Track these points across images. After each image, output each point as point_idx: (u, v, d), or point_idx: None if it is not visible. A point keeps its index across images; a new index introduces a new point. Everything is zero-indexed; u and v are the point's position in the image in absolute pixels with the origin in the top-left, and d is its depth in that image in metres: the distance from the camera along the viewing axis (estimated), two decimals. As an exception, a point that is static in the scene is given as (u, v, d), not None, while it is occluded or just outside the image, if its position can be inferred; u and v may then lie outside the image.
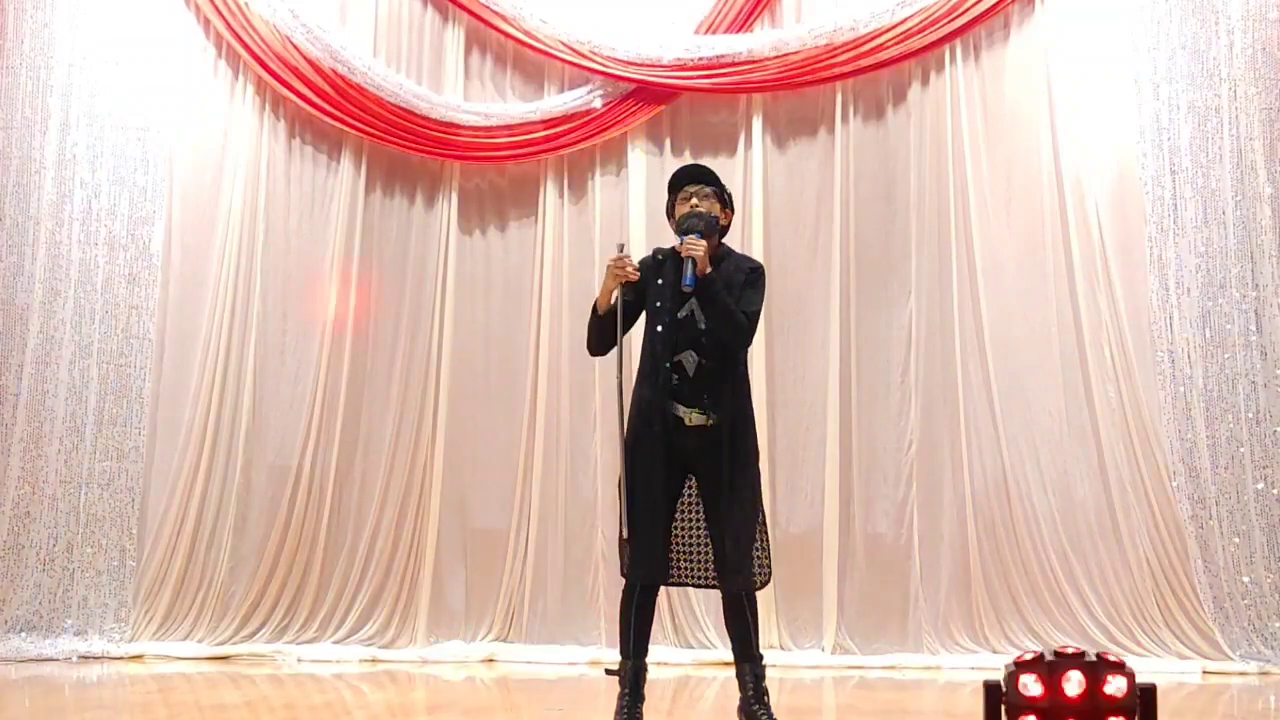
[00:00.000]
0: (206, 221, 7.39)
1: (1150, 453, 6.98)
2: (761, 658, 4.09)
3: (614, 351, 4.19)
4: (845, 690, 6.06)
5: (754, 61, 7.29)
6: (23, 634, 6.79)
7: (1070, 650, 2.92)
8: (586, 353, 7.25)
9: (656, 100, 7.41)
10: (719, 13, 7.40)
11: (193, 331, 7.29)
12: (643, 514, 4.00)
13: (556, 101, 7.42)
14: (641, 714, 4.05)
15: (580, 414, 7.28)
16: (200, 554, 7.07)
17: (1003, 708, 2.88)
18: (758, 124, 7.43)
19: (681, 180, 4.28)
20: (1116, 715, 2.83)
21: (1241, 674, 6.52)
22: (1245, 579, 6.76)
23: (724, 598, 4.09)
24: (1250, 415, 6.91)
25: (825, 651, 6.90)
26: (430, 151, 7.42)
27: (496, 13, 7.41)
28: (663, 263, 4.20)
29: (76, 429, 7.07)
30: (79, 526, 6.98)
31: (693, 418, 4.04)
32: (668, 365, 4.05)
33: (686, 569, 4.13)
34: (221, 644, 6.91)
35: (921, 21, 7.28)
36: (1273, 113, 7.10)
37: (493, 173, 7.58)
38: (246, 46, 7.34)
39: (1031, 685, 2.86)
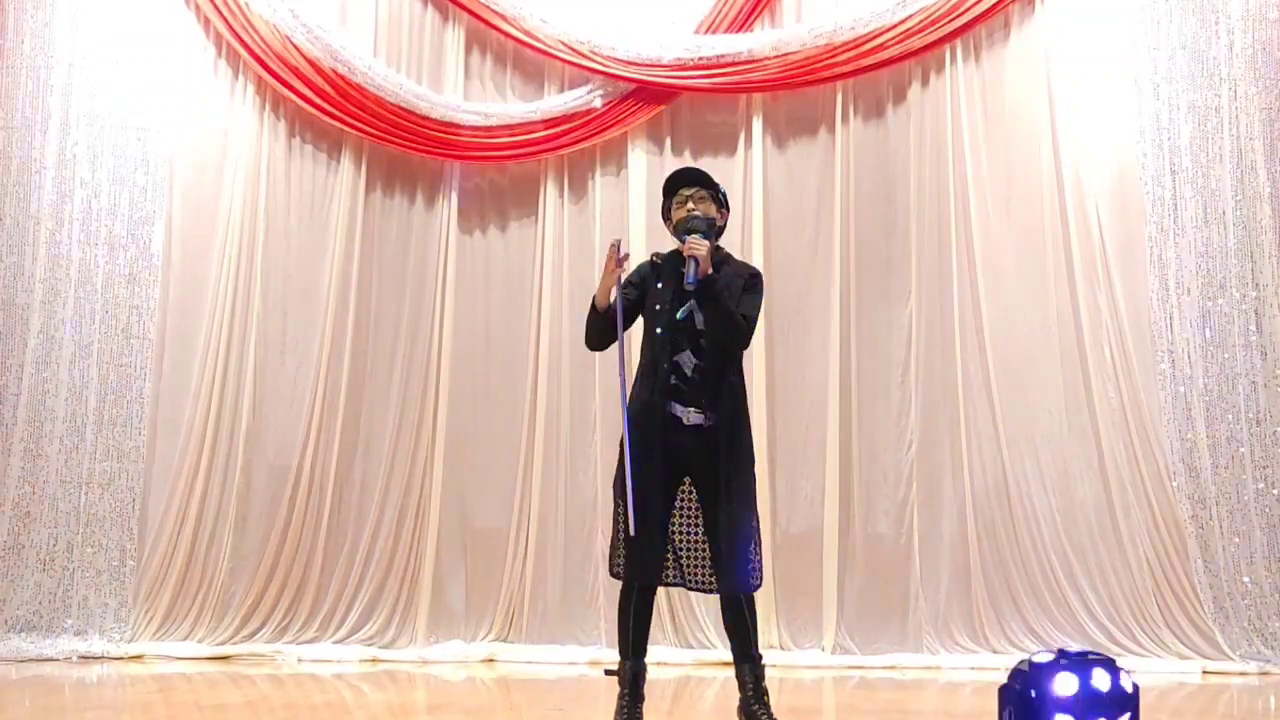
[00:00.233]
0: (206, 221, 7.39)
1: (1150, 453, 6.98)
2: (761, 658, 4.09)
3: (615, 350, 4.18)
4: (845, 690, 6.06)
5: (754, 61, 7.29)
6: (23, 634, 6.79)
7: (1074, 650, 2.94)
8: (587, 352, 7.32)
9: (657, 100, 7.41)
10: (719, 12, 7.40)
11: (193, 331, 7.29)
12: (639, 515, 3.99)
13: (557, 101, 7.42)
14: (641, 714, 4.05)
15: (580, 414, 7.28)
16: (200, 554, 7.07)
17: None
18: (758, 124, 7.43)
19: (676, 183, 4.30)
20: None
21: (1241, 674, 6.52)
22: (1245, 579, 6.76)
23: (722, 599, 4.09)
24: (1250, 415, 6.92)
25: (825, 651, 6.90)
26: (430, 151, 7.42)
27: (497, 12, 7.41)
28: (661, 266, 4.22)
29: (77, 429, 7.07)
30: (79, 526, 6.98)
31: (690, 417, 4.05)
32: (666, 366, 4.06)
33: (683, 571, 4.13)
34: (222, 644, 6.91)
35: (922, 21, 7.28)
36: (1273, 113, 7.11)
37: (493, 172, 7.58)
38: (247, 46, 7.34)
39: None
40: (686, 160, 7.36)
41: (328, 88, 7.31)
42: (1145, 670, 6.38)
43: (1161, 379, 7.01)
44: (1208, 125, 7.13)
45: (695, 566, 4.12)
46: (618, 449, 4.14)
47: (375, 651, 6.96)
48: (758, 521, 4.15)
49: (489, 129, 7.37)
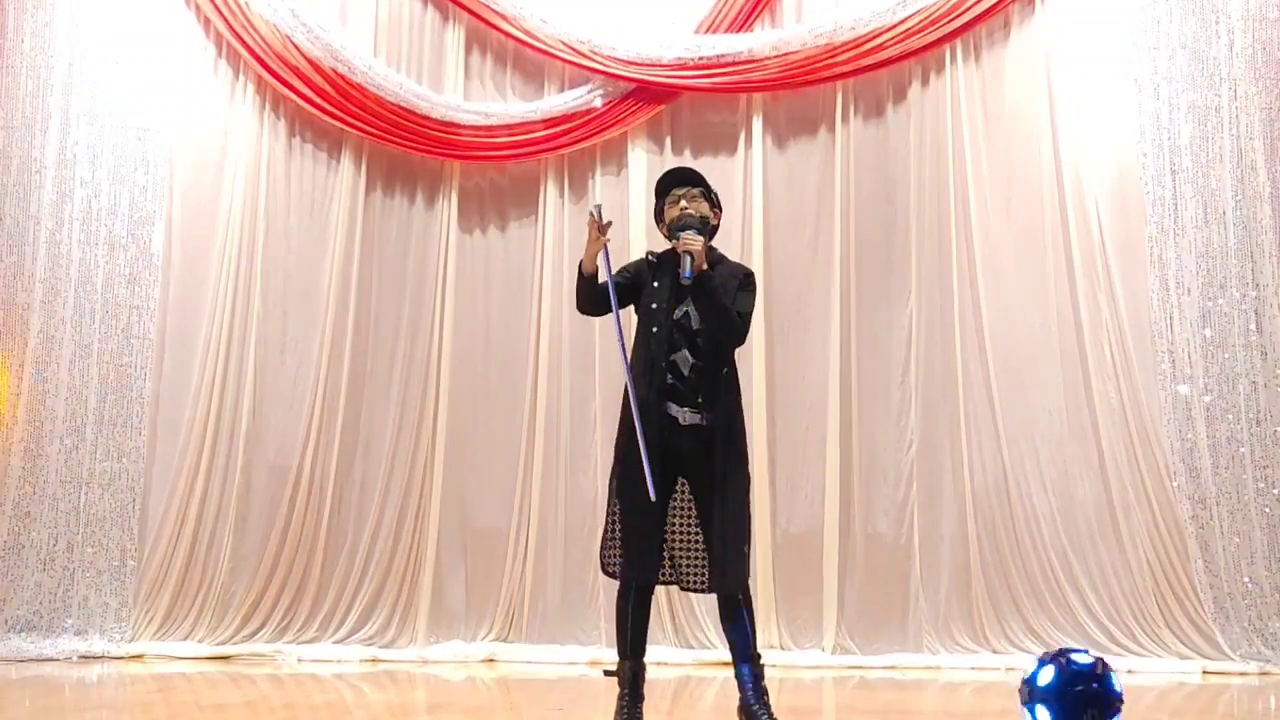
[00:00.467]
0: (206, 221, 7.39)
1: (1150, 453, 6.98)
2: (760, 657, 4.07)
3: (615, 345, 4.17)
4: (845, 690, 6.05)
5: (754, 61, 7.29)
6: (23, 634, 6.79)
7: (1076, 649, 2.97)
8: (587, 352, 7.33)
9: (657, 100, 7.41)
10: (719, 12, 7.40)
11: (193, 331, 7.29)
12: (635, 513, 4.00)
13: (557, 101, 7.42)
14: (641, 714, 4.05)
15: (580, 414, 7.28)
16: (200, 554, 7.07)
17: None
18: (758, 124, 7.43)
19: (669, 184, 4.31)
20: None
21: (1242, 674, 6.52)
22: (1245, 579, 6.76)
23: (719, 599, 4.08)
24: (1250, 415, 6.91)
25: (825, 651, 6.90)
26: (431, 151, 7.42)
27: (497, 12, 7.41)
28: (656, 265, 4.22)
29: (77, 429, 7.07)
30: (79, 526, 6.98)
31: (687, 417, 4.05)
32: (663, 365, 4.06)
33: (679, 571, 4.13)
34: (222, 644, 6.91)
35: (922, 21, 7.28)
36: (1273, 112, 7.11)
37: (493, 172, 7.58)
38: (247, 46, 7.34)
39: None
40: (687, 160, 7.37)
41: (328, 87, 7.31)
42: (1145, 670, 6.39)
43: (1161, 379, 7.01)
44: (1208, 125, 7.13)
45: (689, 566, 4.11)
46: (613, 449, 4.15)
47: (375, 651, 6.96)
48: (751, 521, 4.13)
49: (489, 129, 7.37)
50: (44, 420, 7.07)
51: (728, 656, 4.15)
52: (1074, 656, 2.97)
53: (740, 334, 4.13)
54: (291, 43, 7.31)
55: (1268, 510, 6.84)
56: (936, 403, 7.19)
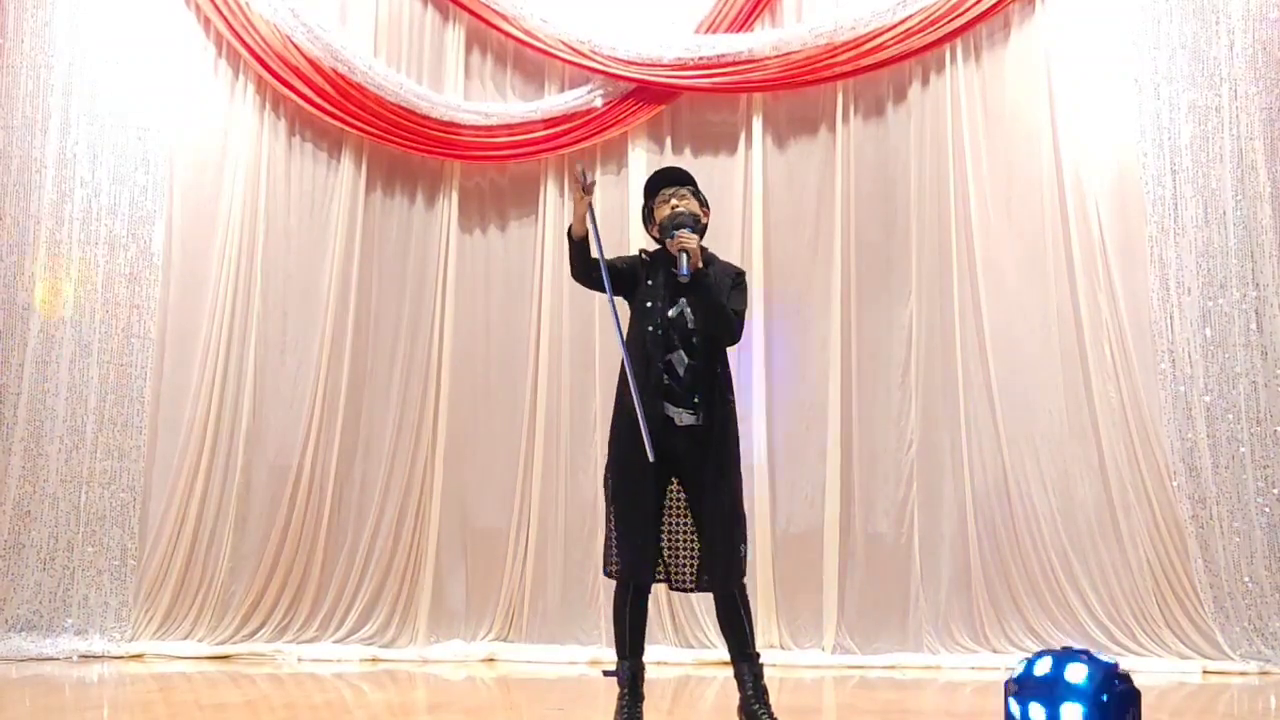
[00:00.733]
0: (207, 221, 7.40)
1: (1150, 452, 6.98)
2: (759, 656, 4.07)
3: (614, 335, 4.17)
4: (845, 690, 6.05)
5: (754, 61, 7.29)
6: (23, 633, 6.78)
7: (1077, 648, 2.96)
8: (587, 352, 7.33)
9: (657, 100, 7.42)
10: (719, 12, 7.40)
11: (193, 331, 7.29)
12: (632, 513, 4.00)
13: (557, 101, 7.42)
14: (641, 713, 4.05)
15: (580, 414, 7.28)
16: (201, 553, 7.08)
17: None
18: (758, 123, 7.44)
19: (658, 184, 4.31)
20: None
21: (1242, 674, 6.52)
22: (1245, 579, 6.76)
23: (716, 598, 4.07)
24: (1250, 415, 6.91)
25: (825, 651, 6.90)
26: (431, 151, 7.42)
27: (497, 12, 7.42)
28: (650, 263, 4.22)
29: (77, 428, 7.07)
30: (79, 526, 6.98)
31: (683, 418, 4.05)
32: (659, 365, 4.05)
33: (674, 571, 4.12)
34: (222, 643, 6.91)
35: (922, 21, 7.29)
36: (1273, 112, 7.11)
37: (493, 172, 7.58)
38: (247, 46, 7.34)
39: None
40: (687, 159, 7.38)
41: (328, 87, 7.31)
42: (1146, 670, 6.38)
43: (1161, 379, 7.00)
44: (1208, 125, 7.13)
45: (680, 566, 4.11)
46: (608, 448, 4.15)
47: (375, 651, 6.96)
48: (745, 520, 4.12)
49: (489, 129, 7.38)
50: (44, 420, 7.07)
51: (728, 656, 4.14)
52: (1093, 655, 2.95)
53: (736, 331, 4.14)
54: (291, 43, 7.31)
55: (1268, 510, 6.84)
56: (936, 403, 7.19)
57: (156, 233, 7.31)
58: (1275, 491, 6.86)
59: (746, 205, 7.38)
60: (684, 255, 4.03)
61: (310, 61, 7.30)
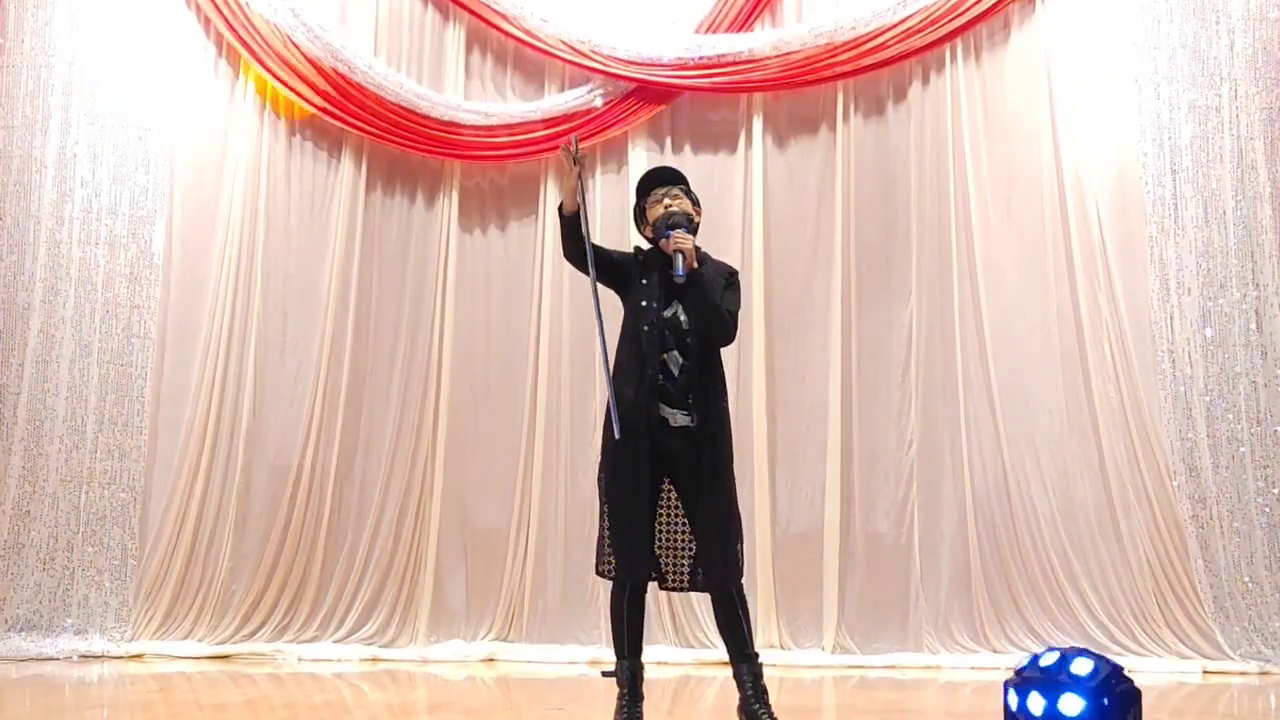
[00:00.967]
0: (207, 220, 7.40)
1: (1150, 452, 6.98)
2: (758, 656, 4.06)
3: (599, 347, 4.16)
4: (845, 690, 6.05)
5: (755, 61, 7.29)
6: (23, 633, 6.79)
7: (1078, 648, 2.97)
8: (587, 352, 7.32)
9: (657, 99, 7.42)
10: (719, 12, 7.40)
11: (193, 330, 7.29)
12: (626, 514, 4.00)
13: (557, 100, 7.42)
14: (641, 713, 4.05)
15: (580, 414, 7.27)
16: (201, 553, 7.08)
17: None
18: (758, 123, 7.44)
19: (650, 183, 4.29)
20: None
21: (1242, 674, 6.51)
22: (1245, 578, 6.76)
23: (714, 599, 4.06)
24: (1250, 415, 6.91)
25: (825, 651, 6.90)
26: (431, 151, 7.42)
27: (497, 12, 7.42)
28: (644, 262, 4.20)
29: (77, 428, 7.07)
30: (79, 525, 6.98)
31: (677, 419, 4.04)
32: (653, 365, 4.04)
33: (671, 571, 4.12)
34: (222, 643, 6.91)
35: (922, 21, 7.29)
36: (1273, 112, 7.11)
37: (493, 172, 7.58)
38: (247, 45, 7.34)
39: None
40: (687, 159, 7.38)
41: (328, 87, 7.31)
42: (1146, 670, 6.37)
43: (1161, 379, 7.01)
44: (1208, 125, 7.13)
45: (676, 566, 4.11)
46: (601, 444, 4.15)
47: (375, 651, 6.96)
48: (740, 520, 4.11)
49: (489, 128, 7.38)
50: (44, 419, 7.07)
51: (727, 656, 4.14)
52: (1095, 653, 2.96)
53: (731, 331, 4.12)
54: (292, 42, 7.31)
55: (1268, 510, 6.84)
56: (936, 403, 7.19)
57: (157, 233, 7.31)
58: (1275, 491, 6.86)
59: (746, 205, 7.38)
60: (679, 256, 4.01)
61: (311, 61, 7.31)
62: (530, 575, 7.10)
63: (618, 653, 4.09)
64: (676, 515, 4.11)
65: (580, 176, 4.08)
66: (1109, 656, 3.08)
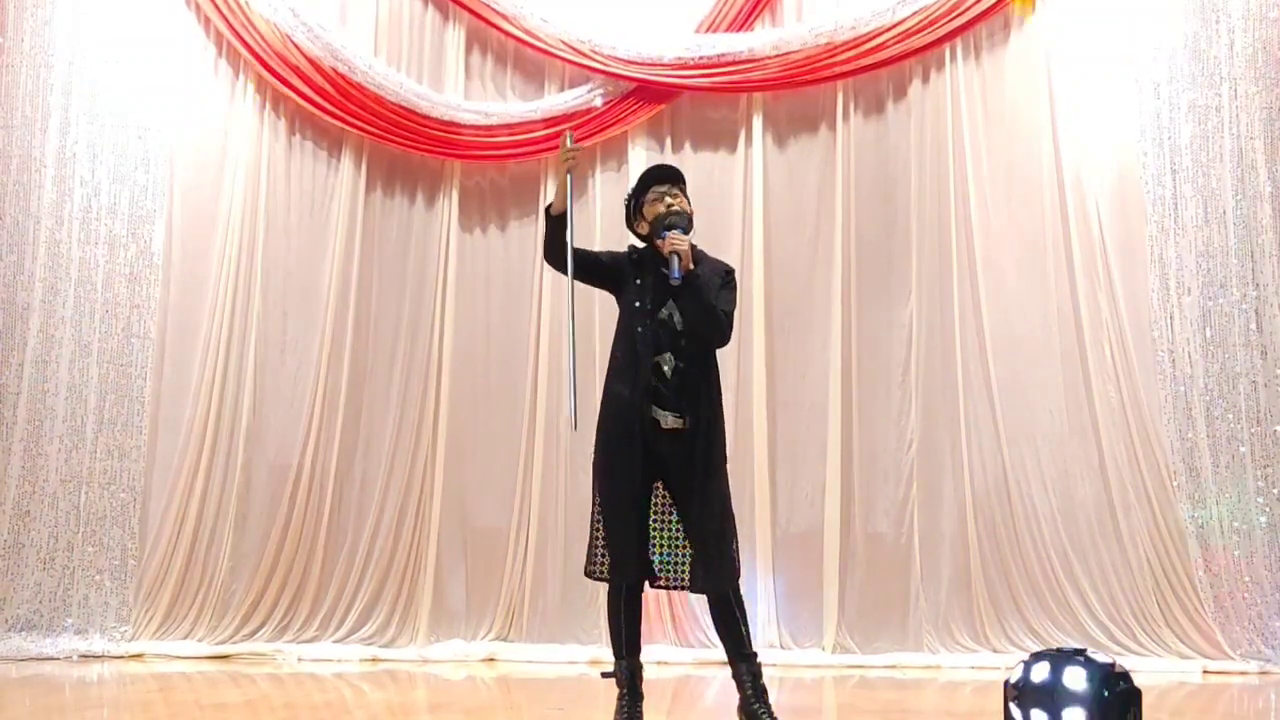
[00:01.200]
0: (207, 220, 7.40)
1: (1150, 452, 6.98)
2: (756, 655, 4.05)
3: (567, 299, 4.17)
4: (845, 689, 6.05)
5: (754, 60, 7.29)
6: (23, 633, 6.78)
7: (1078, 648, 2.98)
8: (585, 350, 7.30)
9: (657, 99, 7.42)
10: (719, 12, 7.40)
11: (193, 330, 7.29)
12: (618, 514, 4.00)
13: (557, 100, 7.42)
14: (641, 712, 4.05)
15: (580, 413, 7.24)
16: (201, 553, 7.08)
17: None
18: (758, 122, 7.44)
19: (649, 181, 4.25)
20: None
21: (1242, 673, 6.52)
22: (1246, 578, 6.76)
23: (710, 601, 4.05)
24: (1250, 415, 6.91)
25: (825, 651, 6.90)
26: (431, 150, 7.42)
27: (497, 12, 7.42)
28: (639, 262, 4.18)
29: (77, 428, 7.07)
30: (79, 525, 6.98)
31: (669, 421, 4.03)
32: (646, 367, 4.03)
33: (664, 570, 4.12)
34: (222, 643, 6.91)
35: (922, 21, 7.29)
36: (1273, 112, 7.10)
37: (493, 172, 7.58)
38: (247, 45, 7.34)
39: None
40: (687, 158, 7.38)
41: (328, 87, 7.32)
42: (1145, 670, 6.37)
43: (1162, 378, 7.01)
44: (1208, 124, 7.13)
45: (669, 565, 4.11)
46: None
47: (375, 651, 6.96)
48: (735, 521, 4.11)
49: (489, 128, 7.38)
50: (44, 419, 7.07)
51: (726, 656, 4.13)
52: (1090, 655, 2.96)
53: (726, 333, 4.10)
54: (292, 42, 7.31)
55: (1268, 510, 6.84)
56: (936, 403, 7.19)
57: (156, 232, 7.31)
58: (1275, 491, 6.86)
59: (746, 204, 7.38)
60: (675, 257, 3.99)
61: (310, 61, 7.30)
62: (530, 575, 7.11)
63: (616, 653, 4.10)
64: (669, 515, 4.10)
65: (571, 175, 4.06)
66: (1107, 655, 3.07)
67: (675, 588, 4.14)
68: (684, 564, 4.09)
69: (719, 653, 6.45)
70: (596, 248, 7.18)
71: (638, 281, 4.14)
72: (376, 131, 7.35)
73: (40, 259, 7.18)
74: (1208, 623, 6.73)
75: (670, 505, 4.10)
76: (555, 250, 4.16)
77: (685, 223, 4.10)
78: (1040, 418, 7.13)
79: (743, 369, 7.18)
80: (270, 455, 7.22)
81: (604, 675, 4.16)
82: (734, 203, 7.39)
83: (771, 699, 4.04)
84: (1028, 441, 7.10)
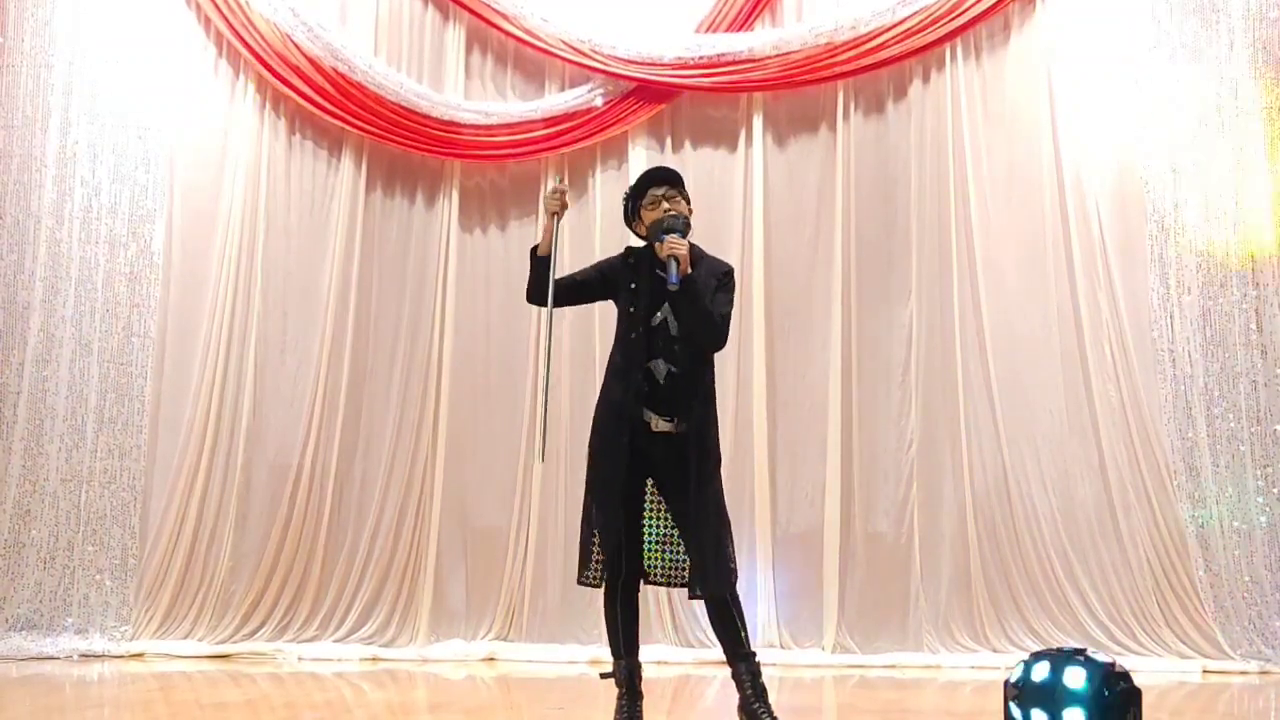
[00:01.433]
0: (207, 220, 7.40)
1: (1150, 452, 6.98)
2: (755, 654, 4.05)
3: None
4: (845, 689, 6.05)
5: (754, 60, 7.29)
6: (23, 632, 6.78)
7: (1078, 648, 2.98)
8: (588, 351, 7.32)
9: (657, 99, 7.42)
10: (719, 11, 7.40)
11: (193, 330, 7.29)
12: (609, 511, 4.01)
13: (557, 100, 7.42)
14: (641, 712, 4.05)
15: (580, 414, 7.26)
16: (201, 552, 7.08)
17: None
18: (758, 122, 7.44)
19: (647, 184, 4.23)
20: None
21: (1242, 673, 6.52)
22: (1246, 578, 6.76)
23: (707, 604, 4.05)
24: (1250, 415, 6.91)
25: (825, 651, 6.90)
26: (431, 150, 7.42)
27: (497, 11, 7.42)
28: (635, 266, 4.16)
29: (77, 427, 7.07)
30: (80, 525, 6.98)
31: (658, 424, 4.03)
32: (638, 373, 4.03)
33: (658, 568, 4.12)
34: (222, 642, 6.91)
35: (922, 21, 7.29)
36: (1273, 111, 7.11)
37: (493, 172, 7.58)
38: (247, 45, 7.34)
39: None
40: (687, 157, 7.39)
41: (328, 86, 7.32)
42: (1145, 669, 6.38)
43: (1162, 378, 7.01)
44: (1208, 124, 7.13)
45: (671, 563, 4.11)
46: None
47: (376, 650, 6.95)
48: (730, 523, 4.11)
49: (489, 128, 7.38)
50: (44, 418, 7.07)
51: (725, 657, 4.13)
52: (1090, 655, 2.96)
53: (722, 338, 4.08)
54: (292, 42, 7.31)
55: (1268, 510, 6.84)
56: (936, 403, 7.19)
57: (157, 232, 7.31)
58: (1275, 491, 6.86)
59: (746, 204, 7.38)
60: (673, 262, 3.96)
61: (311, 60, 7.31)
62: (530, 575, 7.11)
63: (614, 652, 4.10)
64: (661, 512, 4.10)
65: (557, 218, 4.09)
66: (1107, 655, 3.07)
67: (672, 585, 4.13)
68: (679, 562, 4.09)
69: (719, 652, 6.42)
70: (596, 248, 7.28)
71: (632, 286, 4.12)
72: (376, 131, 7.36)
73: (40, 258, 7.18)
74: (1208, 623, 6.73)
75: (662, 504, 4.10)
76: (538, 291, 4.19)
77: (683, 225, 4.07)
78: (1040, 418, 7.13)
79: (743, 369, 7.18)
80: (270, 455, 7.22)
81: (603, 676, 4.16)
82: (734, 202, 7.39)
83: (771, 699, 4.04)
84: (1028, 441, 7.10)
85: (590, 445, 4.15)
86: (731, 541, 4.05)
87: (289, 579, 7.08)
